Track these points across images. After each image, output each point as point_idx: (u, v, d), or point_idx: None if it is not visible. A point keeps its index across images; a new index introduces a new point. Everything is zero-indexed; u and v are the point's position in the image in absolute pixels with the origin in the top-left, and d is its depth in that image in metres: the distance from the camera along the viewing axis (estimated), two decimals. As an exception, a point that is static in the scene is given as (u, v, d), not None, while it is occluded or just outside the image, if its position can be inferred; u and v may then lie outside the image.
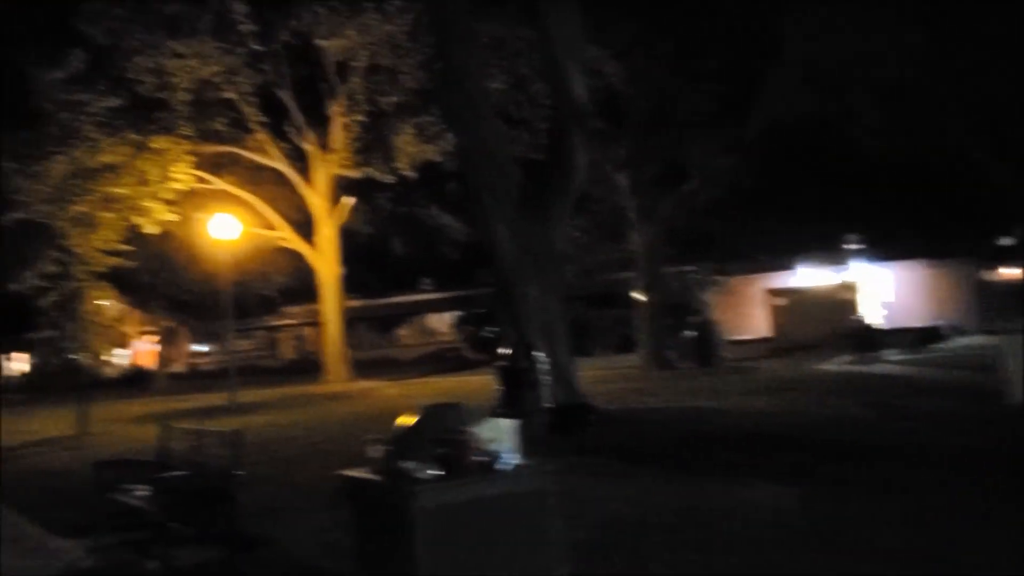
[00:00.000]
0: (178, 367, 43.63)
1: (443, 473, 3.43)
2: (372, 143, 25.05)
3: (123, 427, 19.28)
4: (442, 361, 36.33)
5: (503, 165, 12.60)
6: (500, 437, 3.65)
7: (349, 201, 27.62)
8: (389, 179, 25.37)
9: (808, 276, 33.25)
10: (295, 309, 43.78)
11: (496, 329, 36.34)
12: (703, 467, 9.00)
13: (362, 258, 32.78)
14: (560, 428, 10.89)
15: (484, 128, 12.49)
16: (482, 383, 23.46)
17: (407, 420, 3.87)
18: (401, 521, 3.31)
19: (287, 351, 45.00)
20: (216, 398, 25.85)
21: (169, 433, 7.94)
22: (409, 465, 3.41)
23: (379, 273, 39.04)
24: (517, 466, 3.65)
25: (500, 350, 12.31)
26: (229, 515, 6.74)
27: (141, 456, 8.36)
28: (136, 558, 6.86)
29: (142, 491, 7.25)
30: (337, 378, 27.56)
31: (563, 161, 12.60)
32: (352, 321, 31.17)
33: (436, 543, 3.30)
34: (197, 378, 42.36)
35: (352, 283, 30.71)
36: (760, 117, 21.68)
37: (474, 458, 3.50)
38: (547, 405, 11.31)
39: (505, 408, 12.02)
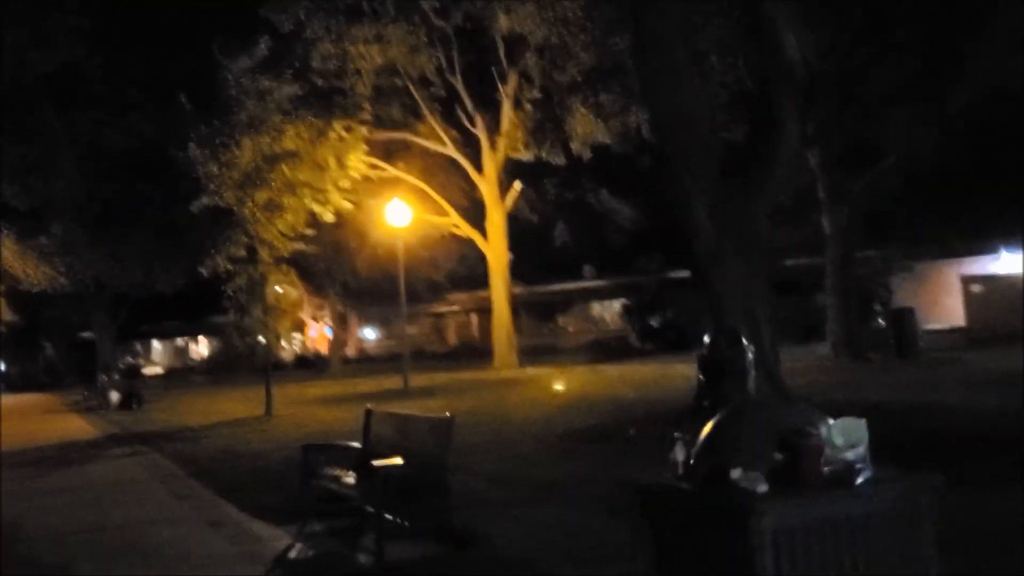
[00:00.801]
0: (348, 351, 44.96)
1: (782, 486, 2.63)
2: (544, 123, 24.53)
3: (306, 409, 19.63)
4: (606, 349, 35.50)
5: (703, 137, 11.63)
6: (857, 442, 2.82)
7: (518, 186, 27.23)
8: (560, 160, 24.69)
9: (1011, 262, 30.21)
10: (459, 295, 44.16)
11: (667, 317, 35.40)
12: (961, 475, 7.76)
13: (525, 245, 32.40)
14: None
15: (683, 96, 11.56)
16: (654, 372, 22.59)
17: (722, 418, 3.07)
18: (737, 544, 2.54)
19: (452, 337, 45.48)
20: (389, 382, 26.16)
21: (372, 418, 7.53)
22: (739, 475, 2.63)
23: (541, 260, 38.61)
24: (882, 478, 2.82)
25: (704, 338, 11.33)
26: (442, 508, 6.23)
27: (340, 440, 8.00)
28: (345, 549, 6.48)
29: (349, 478, 6.88)
30: (505, 364, 27.30)
31: (771, 131, 11.50)
32: (514, 308, 30.78)
33: (784, 572, 2.53)
34: (367, 362, 43.53)
35: (513, 270, 30.38)
36: (966, 88, 19.52)
37: (827, 468, 2.69)
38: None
39: (706, 401, 11.11)
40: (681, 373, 21.13)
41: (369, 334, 49.49)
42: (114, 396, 25.32)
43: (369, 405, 7.82)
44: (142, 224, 38.01)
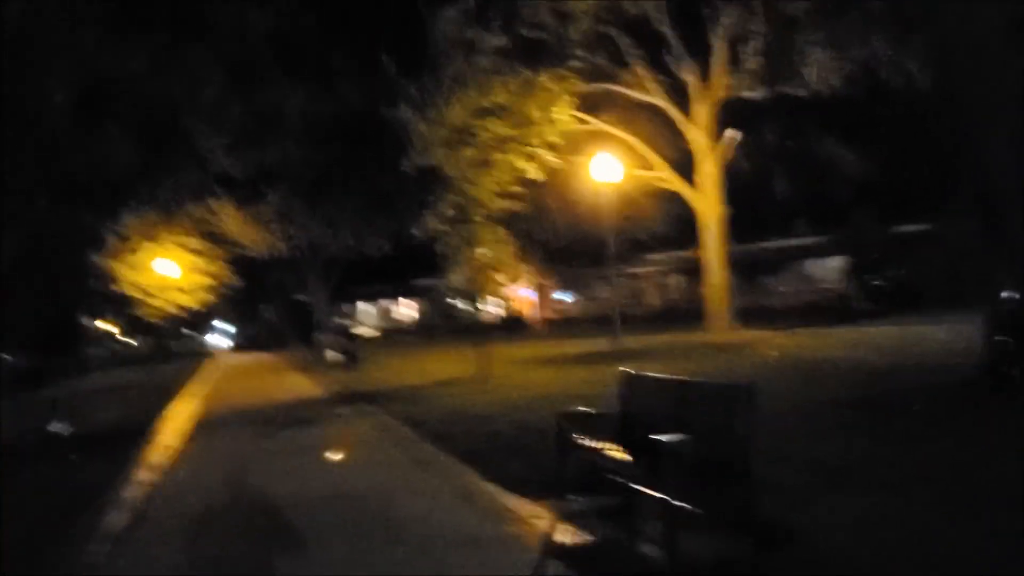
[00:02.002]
0: (547, 314, 44.66)
1: None
2: (770, 60, 22.37)
3: (519, 370, 19.11)
4: (826, 311, 32.98)
5: (1001, 59, 9.70)
6: None
7: (733, 134, 25.28)
8: (796, 91, 22.35)
9: None
10: (659, 255, 42.64)
11: (896, 276, 32.36)
12: None
13: (732, 200, 30.39)
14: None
15: (976, 9, 9.69)
16: (893, 336, 20.30)
17: None
18: None
19: (652, 299, 44.06)
20: (595, 344, 25.34)
21: (633, 382, 6.55)
22: None
23: (751, 215, 36.25)
24: None
25: (1003, 294, 9.53)
26: (743, 495, 5.16)
27: (579, 404, 7.07)
28: (625, 537, 5.56)
29: (617, 451, 5.95)
30: (720, 327, 25.62)
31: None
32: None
33: None
34: (566, 324, 43.06)
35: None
36: None
37: None
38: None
39: (1015, 368, 9.34)
40: (926, 336, 18.85)
41: (567, 296, 48.98)
42: (332, 355, 26.07)
43: (623, 367, 6.82)
44: (352, 190, 39.19)
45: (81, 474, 9.30)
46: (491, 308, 40.76)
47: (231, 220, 41.15)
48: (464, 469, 8.00)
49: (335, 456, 9.54)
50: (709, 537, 5.15)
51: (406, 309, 58.38)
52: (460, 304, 43.44)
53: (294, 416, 14.09)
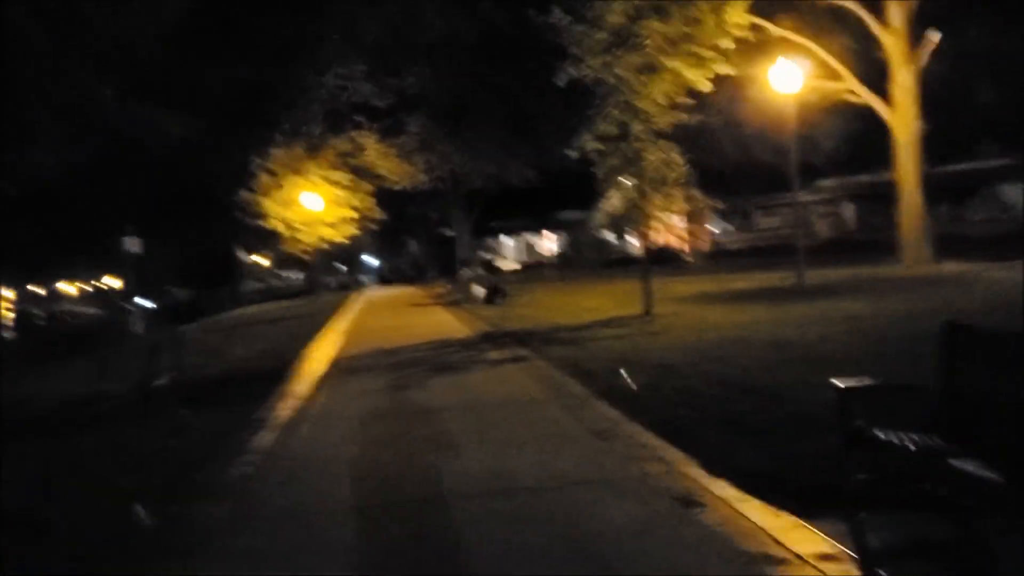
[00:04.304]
0: (702, 246, 41.67)
1: None
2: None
3: (686, 308, 16.80)
4: (1032, 242, 28.71)
5: None
6: None
7: (934, 37, 21.54)
8: None
9: None
10: (828, 182, 38.76)
11: None
12: None
13: (926, 113, 26.44)
14: None
15: None
16: None
17: None
18: None
19: (822, 229, 40.21)
20: (766, 278, 22.65)
21: (959, 338, 4.18)
22: None
23: (937, 134, 31.89)
24: None
25: None
26: None
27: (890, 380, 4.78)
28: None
29: (973, 465, 3.65)
30: (916, 259, 22.37)
31: None
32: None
33: None
34: (722, 258, 39.97)
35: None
36: None
37: None
38: None
39: None
40: None
41: (725, 227, 45.65)
42: (478, 290, 24.50)
43: (947, 318, 4.42)
44: (493, 115, 37.29)
45: (183, 440, 7.73)
46: (641, 239, 38.30)
47: (373, 152, 40.20)
48: (670, 450, 5.85)
49: (494, 419, 7.63)
50: None
51: (550, 243, 56.46)
52: (609, 236, 41.05)
53: (438, 360, 12.39)
